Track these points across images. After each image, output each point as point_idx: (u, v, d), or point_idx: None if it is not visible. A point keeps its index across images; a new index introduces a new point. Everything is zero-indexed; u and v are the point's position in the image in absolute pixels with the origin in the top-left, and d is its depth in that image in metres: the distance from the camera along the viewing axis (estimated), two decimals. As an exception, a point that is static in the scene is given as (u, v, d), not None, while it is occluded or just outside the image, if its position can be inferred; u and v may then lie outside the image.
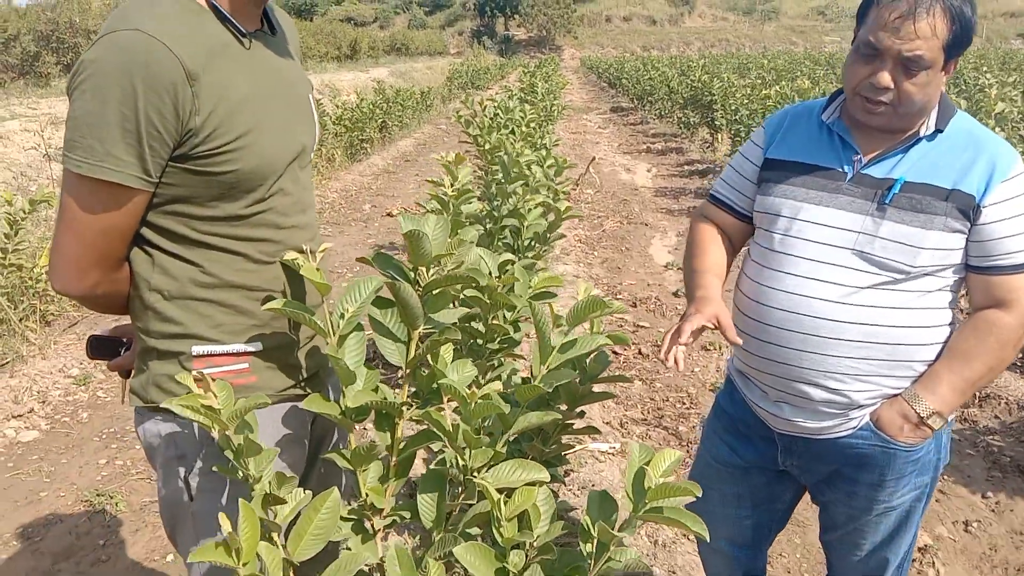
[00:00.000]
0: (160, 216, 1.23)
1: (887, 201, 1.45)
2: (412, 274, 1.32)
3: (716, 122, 10.83)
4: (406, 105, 14.13)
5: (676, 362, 1.45)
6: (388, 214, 8.10)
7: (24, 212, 4.43)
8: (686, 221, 7.60)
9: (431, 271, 1.32)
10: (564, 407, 1.64)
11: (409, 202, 8.60)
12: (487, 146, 5.59)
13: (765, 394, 1.63)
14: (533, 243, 3.53)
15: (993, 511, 2.99)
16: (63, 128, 1.21)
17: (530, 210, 3.49)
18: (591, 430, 1.93)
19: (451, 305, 1.38)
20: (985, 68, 11.34)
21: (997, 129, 5.26)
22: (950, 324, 1.52)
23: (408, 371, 1.34)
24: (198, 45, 1.17)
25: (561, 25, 62.40)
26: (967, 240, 1.44)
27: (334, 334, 1.27)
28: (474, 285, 1.34)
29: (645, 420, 3.66)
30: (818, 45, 62.96)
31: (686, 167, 10.66)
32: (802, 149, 1.59)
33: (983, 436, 3.50)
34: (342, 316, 1.28)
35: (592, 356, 1.54)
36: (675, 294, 5.53)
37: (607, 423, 3.54)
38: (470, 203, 2.83)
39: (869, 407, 1.53)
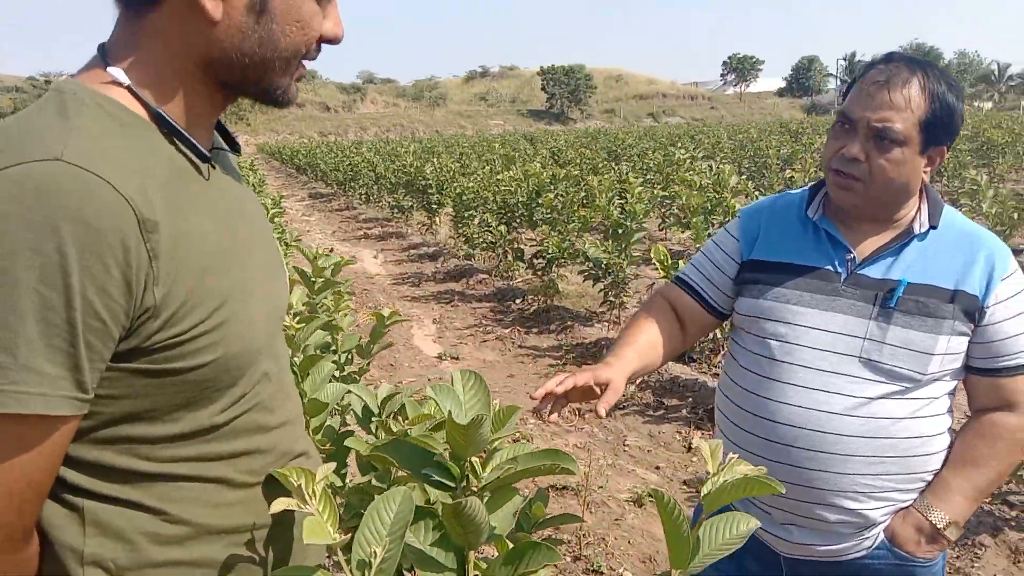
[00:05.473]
0: (92, 447, 0.78)
1: (892, 305, 1.38)
2: (456, 469, 0.97)
3: (433, 205, 11.00)
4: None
5: (541, 415, 1.31)
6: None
7: None
8: (436, 307, 7.50)
9: (489, 465, 0.97)
10: None
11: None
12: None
13: (769, 515, 1.49)
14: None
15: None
16: None
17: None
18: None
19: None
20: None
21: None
22: (950, 429, 1.47)
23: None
24: (150, 176, 0.76)
25: (231, 112, 60.46)
26: (970, 342, 1.39)
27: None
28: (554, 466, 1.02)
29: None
30: (485, 128, 68.53)
31: (412, 251, 10.63)
32: (789, 249, 1.51)
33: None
34: (368, 565, 0.83)
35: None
36: (458, 386, 5.35)
37: None
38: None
39: (883, 524, 1.44)
